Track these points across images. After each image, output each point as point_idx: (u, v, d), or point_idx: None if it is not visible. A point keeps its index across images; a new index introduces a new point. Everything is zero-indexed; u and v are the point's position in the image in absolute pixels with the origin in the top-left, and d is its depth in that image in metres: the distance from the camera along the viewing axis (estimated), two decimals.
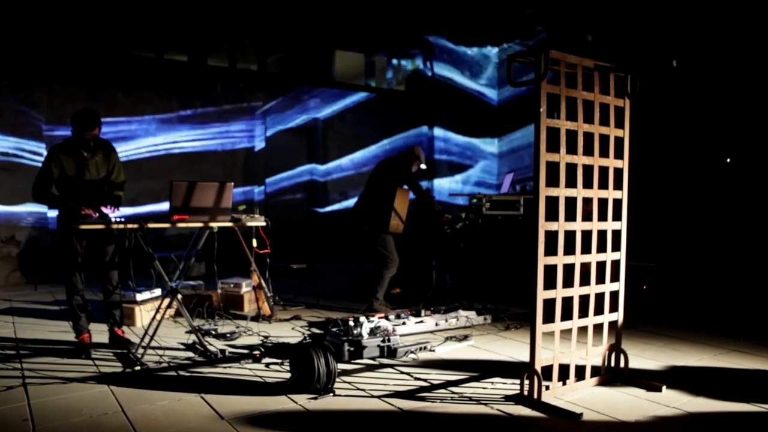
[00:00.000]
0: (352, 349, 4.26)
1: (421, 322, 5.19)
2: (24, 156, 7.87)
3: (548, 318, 3.40)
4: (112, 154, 4.58)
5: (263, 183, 9.92)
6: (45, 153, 7.77)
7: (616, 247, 3.77)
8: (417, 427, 3.11)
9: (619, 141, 3.77)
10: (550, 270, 3.39)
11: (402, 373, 4.00)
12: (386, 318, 5.10)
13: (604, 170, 3.70)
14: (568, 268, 3.52)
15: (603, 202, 3.71)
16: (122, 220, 4.19)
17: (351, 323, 4.47)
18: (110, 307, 4.62)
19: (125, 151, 8.43)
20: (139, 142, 8.68)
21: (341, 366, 4.02)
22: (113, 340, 4.62)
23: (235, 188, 4.57)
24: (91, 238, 4.45)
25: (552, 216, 3.39)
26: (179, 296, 4.50)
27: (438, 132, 11.38)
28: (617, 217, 3.77)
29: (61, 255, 4.45)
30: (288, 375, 3.73)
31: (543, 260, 3.33)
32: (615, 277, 3.78)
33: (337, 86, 10.61)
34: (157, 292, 5.63)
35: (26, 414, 3.18)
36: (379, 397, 3.50)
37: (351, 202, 9.55)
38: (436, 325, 5.23)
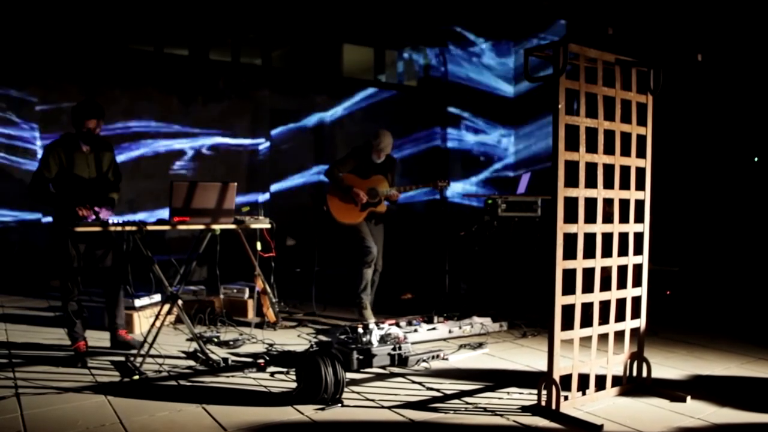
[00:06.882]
0: (361, 357, 4.16)
1: (434, 329, 5.08)
2: (16, 157, 7.77)
3: (567, 325, 3.32)
4: (108, 153, 4.54)
5: (267, 183, 9.79)
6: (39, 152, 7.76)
7: (638, 251, 3.68)
8: None
9: (641, 139, 3.68)
10: (569, 274, 3.31)
11: (413, 382, 3.91)
12: (397, 325, 5.00)
13: (625, 170, 3.62)
14: (588, 273, 3.43)
15: (624, 203, 3.61)
16: (120, 222, 4.08)
17: (360, 330, 4.37)
18: (111, 308, 4.54)
19: (123, 150, 8.28)
20: (138, 140, 8.55)
21: (350, 375, 3.93)
22: (115, 341, 4.55)
23: (238, 189, 4.48)
24: (88, 240, 4.36)
25: (571, 218, 3.32)
26: (180, 302, 4.39)
27: (451, 130, 11.21)
28: (639, 218, 3.69)
29: (56, 258, 4.34)
30: (294, 385, 3.65)
31: (561, 264, 3.24)
32: (637, 282, 3.69)
33: (345, 82, 10.41)
34: (157, 297, 5.50)
35: (19, 425, 3.09)
36: (389, 407, 3.42)
37: None
38: (450, 332, 5.12)
